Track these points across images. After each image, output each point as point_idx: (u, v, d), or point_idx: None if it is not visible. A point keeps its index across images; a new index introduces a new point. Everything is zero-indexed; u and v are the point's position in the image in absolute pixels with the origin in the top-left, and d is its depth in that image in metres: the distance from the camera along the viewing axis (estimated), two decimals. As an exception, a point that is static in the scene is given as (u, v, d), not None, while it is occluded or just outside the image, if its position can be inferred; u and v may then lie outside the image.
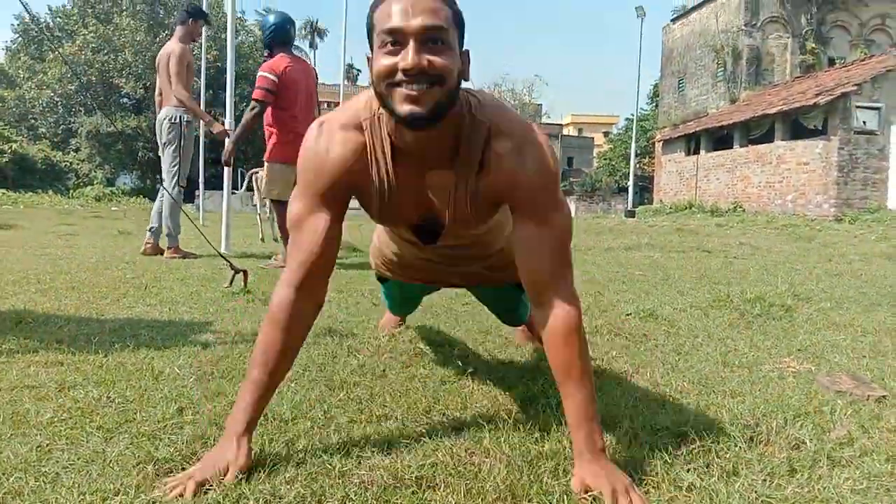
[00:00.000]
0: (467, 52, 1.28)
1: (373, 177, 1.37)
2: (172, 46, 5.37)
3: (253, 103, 4.73)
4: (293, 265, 1.36)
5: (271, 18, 4.95)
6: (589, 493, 1.16)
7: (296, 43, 5.29)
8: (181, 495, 1.13)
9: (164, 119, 5.36)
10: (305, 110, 4.86)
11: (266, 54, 4.94)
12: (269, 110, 4.76)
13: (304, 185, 1.38)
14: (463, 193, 1.37)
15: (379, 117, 1.33)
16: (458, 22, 1.25)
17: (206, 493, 1.14)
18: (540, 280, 1.34)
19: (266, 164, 4.91)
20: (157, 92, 5.60)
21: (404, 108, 1.19)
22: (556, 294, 1.33)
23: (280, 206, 4.85)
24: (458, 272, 1.91)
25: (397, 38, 1.18)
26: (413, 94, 1.18)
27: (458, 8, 1.26)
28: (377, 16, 1.22)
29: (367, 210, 1.47)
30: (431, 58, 1.18)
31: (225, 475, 1.19)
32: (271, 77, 4.68)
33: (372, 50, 1.25)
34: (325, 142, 1.35)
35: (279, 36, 4.87)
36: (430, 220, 1.47)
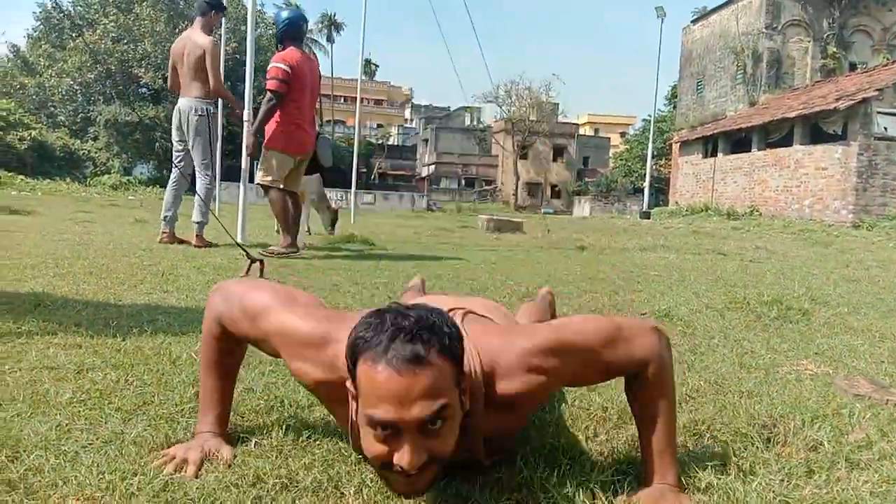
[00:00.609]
0: (467, 376, 1.09)
1: (351, 416, 1.13)
2: (201, 40, 5.37)
3: (269, 94, 4.81)
4: (230, 313, 1.28)
5: (285, 14, 5.21)
6: None
7: (313, 37, 5.45)
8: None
9: (190, 110, 5.38)
10: (309, 104, 5.08)
11: (279, 48, 5.07)
12: None
13: (286, 318, 1.21)
14: (473, 452, 1.18)
15: None
16: (457, 363, 1.03)
17: (223, 475, 1.15)
18: (617, 373, 1.23)
19: (264, 150, 4.99)
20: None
21: (400, 491, 1.07)
22: (623, 358, 1.19)
23: (271, 192, 5.02)
24: None
25: (391, 428, 0.98)
26: (410, 481, 1.02)
27: (456, 352, 1.03)
28: (363, 380, 0.99)
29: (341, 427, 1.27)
30: (431, 446, 1.00)
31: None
32: (285, 67, 4.80)
33: (357, 401, 1.04)
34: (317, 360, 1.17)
35: (291, 31, 5.08)
36: None
